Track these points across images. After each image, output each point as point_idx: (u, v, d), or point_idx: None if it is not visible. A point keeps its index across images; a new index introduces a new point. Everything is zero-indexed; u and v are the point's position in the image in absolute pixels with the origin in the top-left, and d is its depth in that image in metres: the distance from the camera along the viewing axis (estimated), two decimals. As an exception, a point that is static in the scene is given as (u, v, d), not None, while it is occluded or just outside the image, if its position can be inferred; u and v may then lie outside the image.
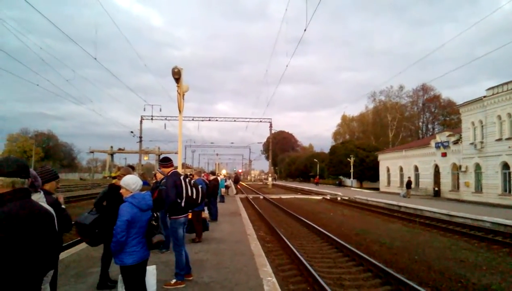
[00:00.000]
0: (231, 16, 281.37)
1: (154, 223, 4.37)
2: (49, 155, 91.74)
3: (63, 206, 3.94)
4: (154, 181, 9.91)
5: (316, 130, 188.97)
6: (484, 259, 10.34)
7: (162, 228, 8.43)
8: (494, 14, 31.60)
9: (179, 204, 6.07)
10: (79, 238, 9.96)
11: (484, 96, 31.37)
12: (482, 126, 32.15)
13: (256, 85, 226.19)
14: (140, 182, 4.39)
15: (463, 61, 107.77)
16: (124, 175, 5.58)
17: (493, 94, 30.39)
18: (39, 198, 2.88)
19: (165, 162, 6.45)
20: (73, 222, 4.34)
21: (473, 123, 33.37)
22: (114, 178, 5.92)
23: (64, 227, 3.75)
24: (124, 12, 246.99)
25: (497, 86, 30.21)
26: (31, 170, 2.99)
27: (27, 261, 2.12)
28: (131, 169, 6.95)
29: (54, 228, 2.39)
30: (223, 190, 22.36)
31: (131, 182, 4.27)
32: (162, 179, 8.71)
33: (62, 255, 7.53)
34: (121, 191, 4.32)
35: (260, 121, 56.11)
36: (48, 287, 2.75)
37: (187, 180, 6.31)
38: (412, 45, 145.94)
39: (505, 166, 29.35)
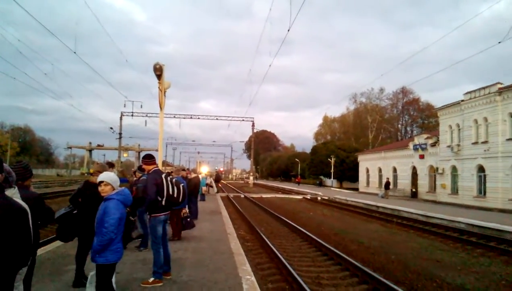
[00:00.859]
0: (216, 13, 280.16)
1: (132, 218, 4.35)
2: (25, 149, 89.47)
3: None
4: (134, 179, 9.80)
5: (298, 130, 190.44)
6: (459, 259, 10.59)
7: (140, 226, 8.37)
8: (475, 20, 32.47)
9: (159, 202, 6.00)
10: (54, 235, 9.79)
11: (462, 100, 32.10)
12: (459, 129, 32.90)
13: (239, 84, 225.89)
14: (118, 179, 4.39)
15: (444, 65, 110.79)
16: (100, 171, 5.50)
17: (470, 99, 31.13)
18: (13, 193, 2.80)
19: (148, 159, 6.34)
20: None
21: (450, 126, 34.13)
22: (92, 174, 5.83)
23: (46, 219, 3.94)
24: (106, 5, 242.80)
25: (475, 90, 30.97)
26: (5, 165, 2.91)
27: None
28: (110, 165, 6.84)
29: (27, 224, 2.33)
30: (204, 188, 22.20)
31: (116, 179, 4.26)
32: (141, 177, 8.62)
33: (38, 252, 7.36)
34: (102, 189, 4.23)
35: (243, 120, 56.09)
36: (21, 284, 2.68)
37: (168, 178, 6.25)
38: (396, 47, 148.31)
39: (481, 168, 30.12)
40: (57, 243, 8.59)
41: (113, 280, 4.49)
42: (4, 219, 2.10)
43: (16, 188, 2.93)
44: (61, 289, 5.51)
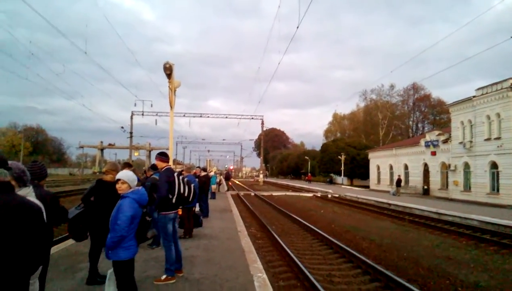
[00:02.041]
0: (224, 12, 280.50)
1: (148, 218, 4.39)
2: (38, 149, 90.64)
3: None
4: (144, 177, 9.87)
5: (308, 128, 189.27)
6: (472, 257, 10.48)
7: (153, 223, 8.41)
8: (486, 15, 32.04)
9: (170, 200, 6.05)
10: (67, 233, 9.91)
11: (474, 96, 31.68)
12: (471, 126, 32.48)
13: (248, 82, 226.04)
14: (136, 178, 4.44)
15: (455, 61, 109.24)
16: (113, 170, 5.55)
17: (482, 94, 30.70)
18: (28, 192, 2.84)
19: (164, 156, 6.39)
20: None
21: (462, 122, 33.71)
22: (104, 173, 5.88)
23: (60, 219, 4.08)
24: (115, 5, 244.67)
25: (487, 86, 30.52)
26: (19, 164, 2.95)
27: (11, 256, 2.05)
28: (127, 166, 6.91)
29: (40, 222, 2.33)
30: (213, 186, 22.16)
31: (134, 178, 4.32)
32: (152, 175, 8.69)
33: (51, 250, 7.45)
34: (119, 186, 4.29)
35: (252, 118, 56.24)
36: (37, 281, 2.71)
37: (180, 178, 6.31)
38: (405, 43, 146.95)
39: (494, 165, 29.71)
40: (70, 241, 8.69)
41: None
42: (13, 217, 2.09)
43: (31, 186, 2.97)
44: (75, 287, 5.58)
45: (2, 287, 2.00)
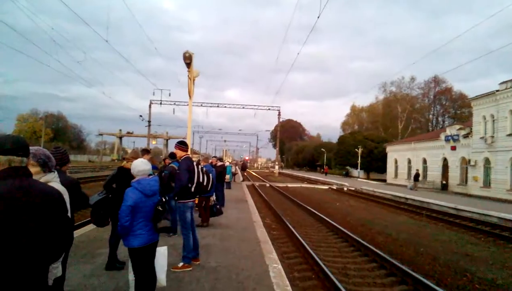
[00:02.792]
0: (243, 0, 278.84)
1: (160, 209, 4.35)
2: (58, 136, 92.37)
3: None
4: (162, 165, 9.99)
5: (325, 120, 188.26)
6: (490, 254, 10.31)
7: (167, 213, 8.53)
8: (511, 6, 30.89)
9: (189, 188, 6.11)
10: (88, 219, 10.12)
11: (497, 90, 30.91)
12: (493, 120, 31.74)
13: (266, 72, 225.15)
14: (145, 167, 4.34)
15: (477, 54, 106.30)
16: (134, 157, 5.63)
17: (506, 89, 29.93)
18: (53, 177, 2.88)
19: (184, 145, 6.44)
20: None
21: (484, 117, 32.96)
22: (126, 160, 5.98)
23: (81, 204, 4.21)
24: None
25: (510, 80, 29.73)
26: (45, 150, 3.01)
27: (34, 244, 2.02)
28: (146, 152, 7.00)
29: (62, 209, 2.30)
30: (227, 176, 22.04)
31: (132, 167, 4.33)
32: (170, 163, 8.79)
33: (72, 235, 7.62)
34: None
35: (269, 109, 56.04)
36: (60, 265, 2.77)
37: (199, 167, 6.37)
38: (427, 35, 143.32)
39: (515, 161, 29.06)
40: (90, 227, 8.90)
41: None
42: (30, 202, 2.05)
43: (56, 172, 3.02)
44: (95, 271, 5.71)
45: (22, 275, 2.00)
